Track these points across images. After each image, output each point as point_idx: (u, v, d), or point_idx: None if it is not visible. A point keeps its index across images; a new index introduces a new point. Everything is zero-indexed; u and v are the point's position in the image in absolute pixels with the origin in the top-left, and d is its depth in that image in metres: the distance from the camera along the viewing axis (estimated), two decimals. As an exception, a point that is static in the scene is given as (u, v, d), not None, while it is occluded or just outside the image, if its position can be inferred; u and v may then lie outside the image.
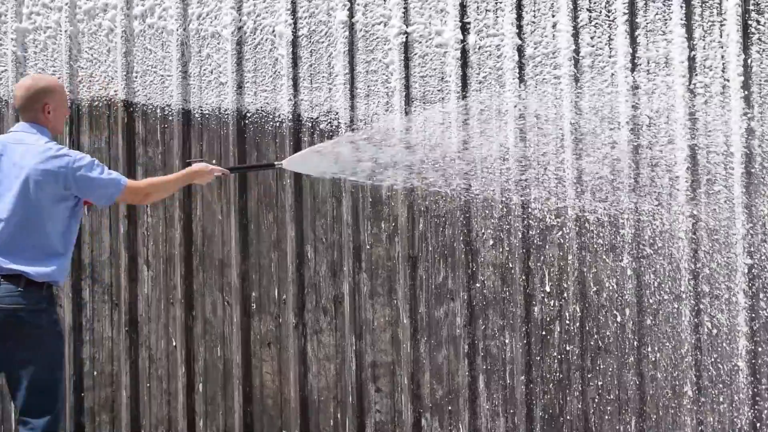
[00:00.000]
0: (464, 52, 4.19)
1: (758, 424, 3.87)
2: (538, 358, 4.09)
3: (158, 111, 4.55)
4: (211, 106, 4.46)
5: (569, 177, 4.02)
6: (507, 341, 4.13)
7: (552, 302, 4.07)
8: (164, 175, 4.13)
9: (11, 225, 3.27)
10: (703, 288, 3.93)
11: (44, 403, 3.24)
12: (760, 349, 3.86)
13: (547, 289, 4.06)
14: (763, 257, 3.86)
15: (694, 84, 3.93)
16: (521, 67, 4.12)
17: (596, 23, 4.08)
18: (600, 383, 4.04)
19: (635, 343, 3.98)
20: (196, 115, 4.49)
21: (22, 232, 3.27)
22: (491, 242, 4.12)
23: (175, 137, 4.50)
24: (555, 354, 4.08)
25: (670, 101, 3.96)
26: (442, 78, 4.20)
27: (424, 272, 4.20)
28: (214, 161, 4.14)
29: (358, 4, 4.33)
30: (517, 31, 4.13)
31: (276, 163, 4.07)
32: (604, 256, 4.00)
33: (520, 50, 4.12)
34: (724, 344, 3.93)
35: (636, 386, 3.99)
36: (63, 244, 3.34)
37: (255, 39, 4.45)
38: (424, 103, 4.20)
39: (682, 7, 3.97)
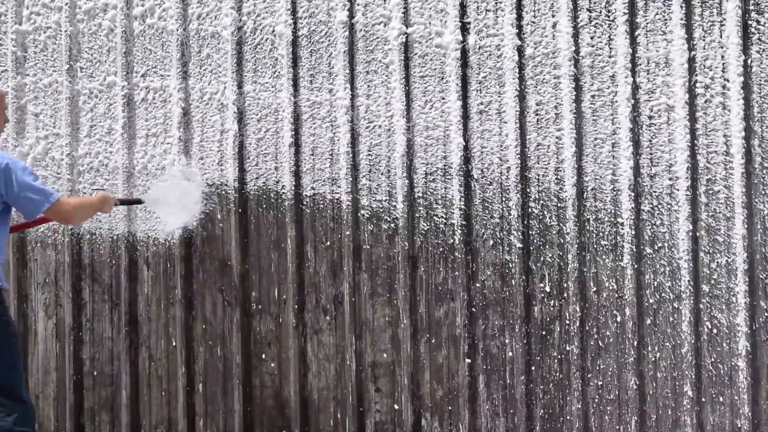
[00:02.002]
0: (464, 52, 4.19)
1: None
2: (539, 358, 4.10)
3: (158, 111, 4.55)
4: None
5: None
6: (507, 341, 4.13)
7: (552, 302, 4.08)
8: (81, 197, 4.18)
9: None
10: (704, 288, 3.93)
11: (5, 402, 3.24)
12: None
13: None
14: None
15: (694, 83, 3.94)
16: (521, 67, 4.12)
17: (596, 23, 4.08)
18: (600, 383, 4.05)
19: (634, 342, 3.99)
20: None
21: None
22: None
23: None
24: (555, 354, 4.08)
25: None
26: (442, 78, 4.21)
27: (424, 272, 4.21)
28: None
29: (358, 5, 4.33)
30: (517, 31, 4.13)
31: (142, 198, 4.30)
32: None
33: (520, 50, 4.13)
34: (724, 344, 3.93)
35: (636, 386, 3.99)
36: None
37: (255, 39, 4.45)
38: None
39: (682, 7, 3.97)
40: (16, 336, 3.38)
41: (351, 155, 4.28)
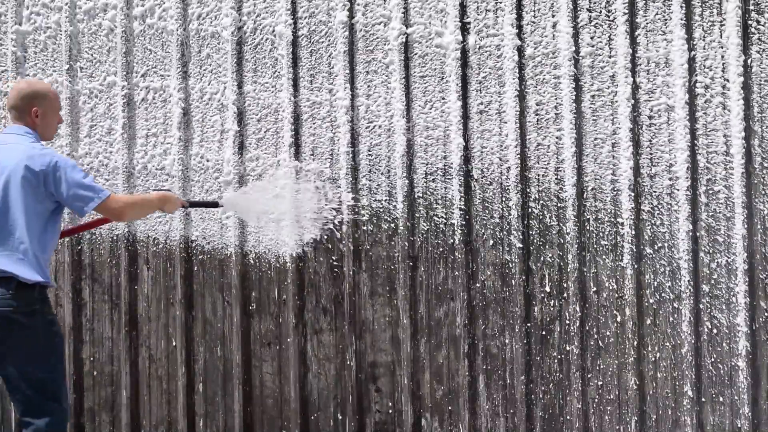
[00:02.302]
0: (464, 52, 4.19)
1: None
2: (538, 358, 4.10)
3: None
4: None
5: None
6: (507, 341, 4.13)
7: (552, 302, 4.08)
8: (137, 195, 4.14)
9: None
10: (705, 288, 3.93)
11: (44, 404, 3.23)
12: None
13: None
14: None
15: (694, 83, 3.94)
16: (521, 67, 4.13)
17: (596, 23, 4.08)
18: (600, 383, 4.05)
19: (635, 342, 3.99)
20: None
21: (6, 232, 3.26)
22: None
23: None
24: (555, 354, 4.08)
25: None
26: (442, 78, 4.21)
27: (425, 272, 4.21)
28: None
29: (358, 5, 4.33)
30: (517, 31, 4.13)
31: (220, 201, 4.13)
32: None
33: (520, 50, 4.13)
34: (724, 344, 3.93)
35: (636, 386, 3.99)
36: (41, 245, 3.31)
37: (255, 39, 4.45)
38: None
39: (682, 7, 3.97)
40: (60, 336, 3.37)
41: (351, 155, 4.28)
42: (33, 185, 3.28)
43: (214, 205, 4.10)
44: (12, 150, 3.33)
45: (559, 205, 4.08)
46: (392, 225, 4.24)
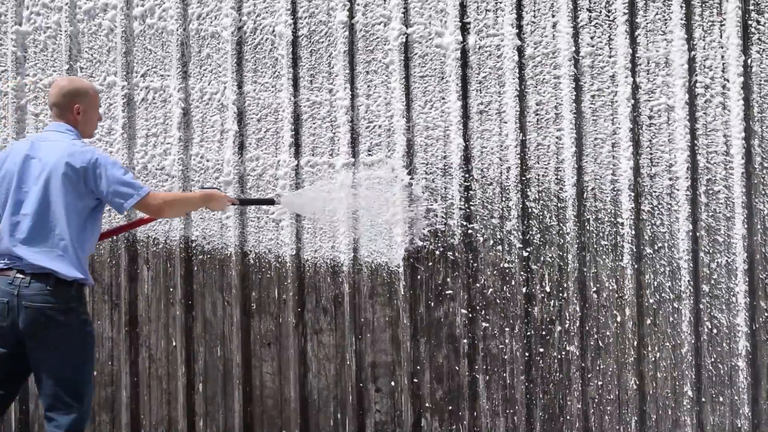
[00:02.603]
0: (464, 52, 4.19)
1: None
2: (538, 358, 4.10)
3: (158, 111, 4.55)
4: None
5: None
6: (507, 341, 4.13)
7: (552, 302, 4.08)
8: (178, 192, 4.14)
9: (36, 220, 3.27)
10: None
11: (69, 401, 3.24)
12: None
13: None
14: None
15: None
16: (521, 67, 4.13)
17: (596, 23, 4.08)
18: (600, 383, 4.05)
19: (635, 342, 3.99)
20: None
21: (46, 228, 3.27)
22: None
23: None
24: (555, 354, 4.08)
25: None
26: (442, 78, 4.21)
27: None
28: (223, 190, 4.19)
29: (358, 5, 4.33)
30: (517, 31, 4.13)
31: (276, 198, 4.07)
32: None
33: (520, 50, 4.13)
34: (724, 344, 3.93)
35: (636, 386, 3.99)
36: (81, 242, 3.32)
37: (255, 39, 4.45)
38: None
39: (682, 7, 3.98)
40: (93, 336, 3.38)
41: (351, 155, 4.28)
42: (74, 182, 3.29)
43: (270, 202, 4.05)
44: (53, 147, 3.34)
45: (559, 205, 4.08)
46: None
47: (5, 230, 3.29)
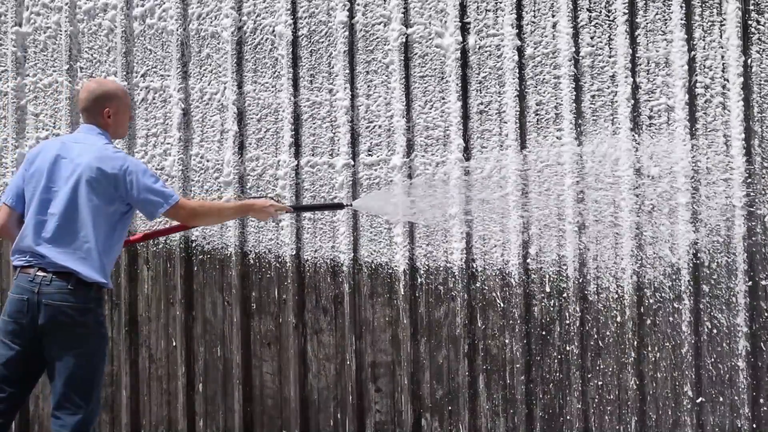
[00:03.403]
0: (464, 53, 4.19)
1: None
2: (538, 358, 4.10)
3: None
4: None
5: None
6: (507, 341, 4.13)
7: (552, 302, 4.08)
8: (210, 201, 4.14)
9: (63, 220, 3.28)
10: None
11: (77, 401, 3.24)
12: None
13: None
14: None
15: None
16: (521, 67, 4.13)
17: (596, 23, 4.08)
18: (600, 383, 4.05)
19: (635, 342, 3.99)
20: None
21: (72, 229, 3.28)
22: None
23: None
24: (555, 354, 4.08)
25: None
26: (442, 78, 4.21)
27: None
28: (278, 198, 4.18)
29: (358, 5, 4.33)
30: (517, 31, 4.13)
31: (345, 203, 4.05)
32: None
33: (520, 50, 4.13)
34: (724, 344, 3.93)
35: (636, 386, 3.99)
36: (106, 246, 3.33)
37: (255, 39, 4.45)
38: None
39: (682, 7, 3.98)
40: (107, 339, 3.39)
41: (351, 155, 4.28)
42: (103, 186, 3.30)
43: (338, 206, 4.04)
44: (85, 149, 3.35)
45: (559, 204, 4.08)
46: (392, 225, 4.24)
47: (29, 228, 3.29)
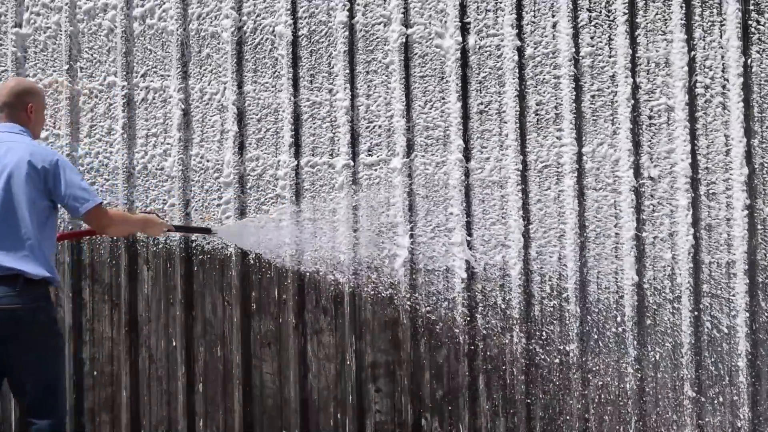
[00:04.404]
0: (464, 53, 4.19)
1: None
2: (539, 358, 4.10)
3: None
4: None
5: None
6: (507, 341, 4.13)
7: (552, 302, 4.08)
8: (124, 212, 4.14)
9: (0, 221, 3.25)
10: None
11: (49, 403, 3.22)
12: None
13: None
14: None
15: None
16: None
17: (596, 23, 4.08)
18: (600, 383, 4.05)
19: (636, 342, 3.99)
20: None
21: (11, 229, 3.24)
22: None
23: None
24: (555, 354, 4.08)
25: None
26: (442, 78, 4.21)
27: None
28: (157, 212, 4.18)
29: (358, 5, 4.33)
30: (517, 31, 4.14)
31: (212, 228, 4.12)
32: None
33: (520, 50, 4.13)
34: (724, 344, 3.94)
35: (636, 386, 3.99)
36: (46, 240, 3.31)
37: (255, 39, 4.45)
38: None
39: (682, 7, 3.98)
40: (62, 335, 3.37)
41: (351, 155, 4.28)
42: (35, 182, 3.28)
43: (206, 231, 4.13)
44: (13, 147, 3.32)
45: (559, 204, 4.08)
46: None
47: None
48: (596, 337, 4.04)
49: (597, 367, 4.04)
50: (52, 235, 3.37)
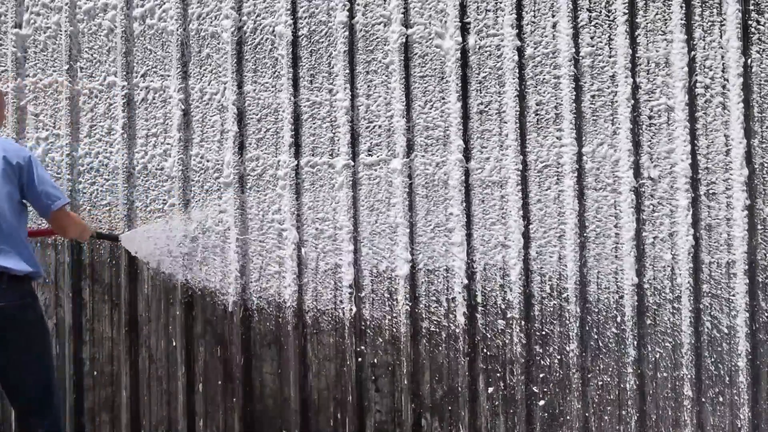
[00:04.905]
0: (464, 53, 4.19)
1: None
2: (539, 358, 4.10)
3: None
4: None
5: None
6: (507, 341, 4.13)
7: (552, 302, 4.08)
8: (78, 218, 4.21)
9: None
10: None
11: (45, 401, 3.21)
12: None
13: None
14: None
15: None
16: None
17: (596, 23, 4.08)
18: (600, 383, 4.05)
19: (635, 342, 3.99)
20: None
21: None
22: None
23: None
24: (555, 354, 4.08)
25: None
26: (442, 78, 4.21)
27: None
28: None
29: (358, 5, 4.33)
30: (517, 31, 4.14)
31: (120, 236, 4.19)
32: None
33: (520, 51, 4.13)
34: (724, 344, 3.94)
35: (636, 386, 4.00)
36: (23, 236, 3.32)
37: (255, 39, 4.45)
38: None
39: (682, 7, 3.98)
40: (49, 332, 3.37)
41: (351, 155, 4.28)
42: (11, 177, 3.29)
43: (114, 239, 4.22)
44: None
45: (559, 204, 4.08)
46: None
47: None
48: (596, 337, 4.04)
49: (597, 367, 4.05)
50: (25, 231, 3.39)
